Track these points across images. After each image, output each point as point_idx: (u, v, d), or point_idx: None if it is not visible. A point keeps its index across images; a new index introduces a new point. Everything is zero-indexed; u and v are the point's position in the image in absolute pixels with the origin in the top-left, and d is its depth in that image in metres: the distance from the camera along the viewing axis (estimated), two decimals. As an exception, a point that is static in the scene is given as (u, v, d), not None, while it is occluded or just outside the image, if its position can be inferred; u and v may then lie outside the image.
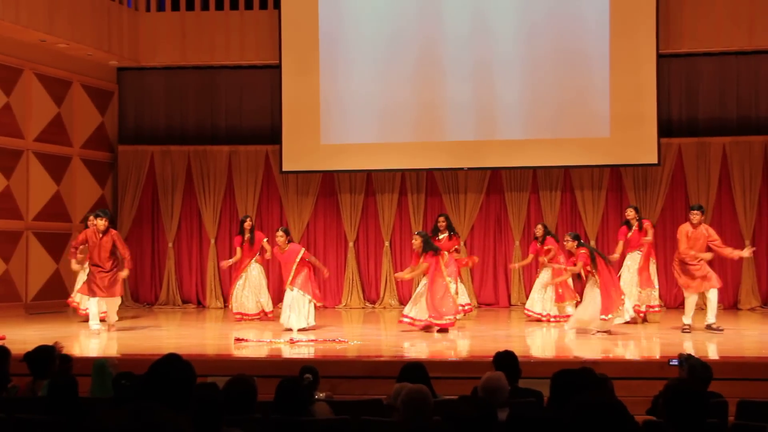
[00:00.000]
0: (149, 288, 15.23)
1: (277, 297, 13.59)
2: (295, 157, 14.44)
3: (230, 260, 12.70)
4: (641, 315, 11.57)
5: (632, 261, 11.82)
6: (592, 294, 10.36)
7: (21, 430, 4.81)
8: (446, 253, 11.39)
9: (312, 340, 10.05)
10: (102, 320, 11.16)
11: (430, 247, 10.99)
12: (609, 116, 13.77)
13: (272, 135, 14.85)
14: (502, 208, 14.66)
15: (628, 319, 10.79)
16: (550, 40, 13.91)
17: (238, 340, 10.04)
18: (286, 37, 14.42)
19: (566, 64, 13.85)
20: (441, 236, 12.16)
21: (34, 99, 13.67)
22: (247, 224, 12.62)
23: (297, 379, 5.51)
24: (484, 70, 14.03)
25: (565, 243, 10.96)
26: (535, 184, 14.53)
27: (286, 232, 11.53)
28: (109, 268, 11.00)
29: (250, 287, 12.57)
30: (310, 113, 14.35)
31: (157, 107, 15.45)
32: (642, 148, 13.74)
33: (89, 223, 11.52)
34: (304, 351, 9.46)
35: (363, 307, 14.69)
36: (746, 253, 11.33)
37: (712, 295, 10.83)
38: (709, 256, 10.82)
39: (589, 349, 9.39)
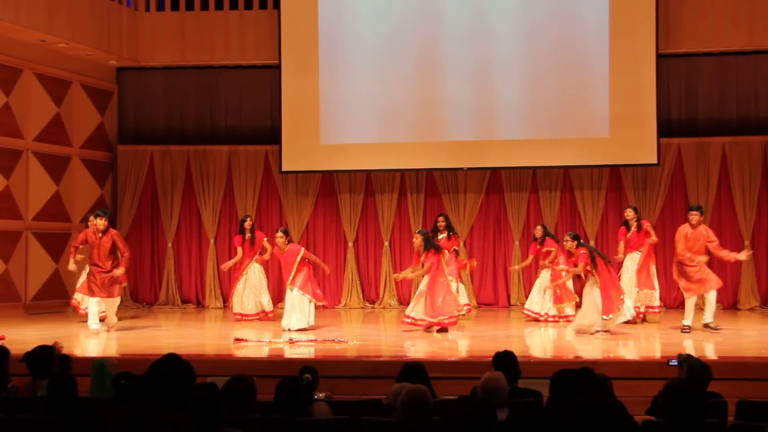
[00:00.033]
0: (149, 288, 15.23)
1: (277, 297, 13.61)
2: (295, 157, 14.44)
3: (231, 262, 12.68)
4: (641, 316, 11.57)
5: (632, 261, 11.82)
6: (592, 295, 10.34)
7: (20, 430, 4.81)
8: (447, 251, 11.39)
9: (311, 340, 10.05)
10: (101, 320, 11.16)
11: (431, 245, 10.99)
12: (608, 116, 13.77)
13: (272, 135, 14.85)
14: (502, 208, 14.66)
15: (630, 318, 10.79)
16: (549, 40, 13.91)
17: (237, 340, 10.04)
18: (286, 37, 14.42)
19: (566, 64, 13.85)
20: (440, 236, 12.16)
21: (33, 99, 13.67)
22: (248, 224, 12.62)
23: (296, 379, 5.51)
24: (484, 70, 14.03)
25: (564, 243, 10.96)
26: (535, 184, 14.53)
27: (286, 233, 11.54)
28: (109, 268, 10.99)
29: (250, 287, 12.56)
30: (309, 113, 14.35)
31: (156, 107, 15.45)
32: (641, 148, 13.75)
33: (89, 223, 11.52)
34: (304, 351, 9.46)
35: (362, 307, 14.69)
36: (743, 256, 11.28)
37: (711, 296, 10.85)
38: (705, 258, 10.81)
39: (589, 349, 9.39)
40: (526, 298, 13.22)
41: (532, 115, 13.98)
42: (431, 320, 10.74)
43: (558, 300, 12.11)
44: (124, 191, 15.17)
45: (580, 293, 11.03)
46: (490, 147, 14.11)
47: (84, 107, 14.68)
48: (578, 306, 11.24)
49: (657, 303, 11.93)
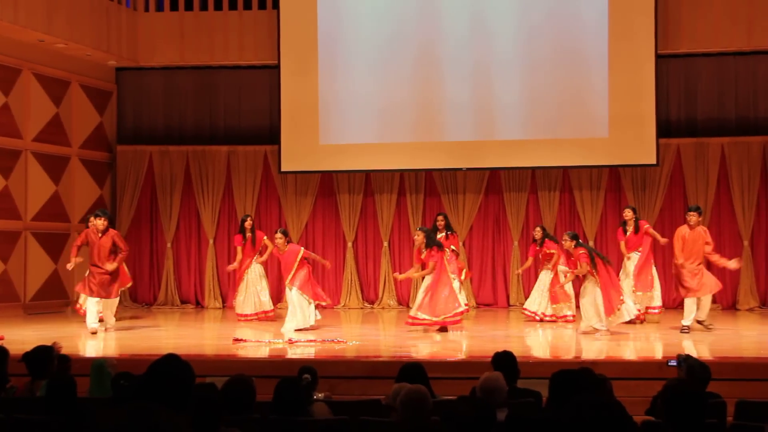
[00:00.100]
0: (148, 288, 15.22)
1: (277, 297, 13.62)
2: (294, 157, 14.43)
3: (235, 263, 12.71)
4: (641, 318, 11.56)
5: (631, 262, 11.82)
6: (592, 295, 10.32)
7: (19, 430, 4.81)
8: (447, 250, 11.39)
9: (310, 341, 10.05)
10: (101, 320, 11.16)
11: (433, 243, 10.98)
12: (608, 117, 13.78)
13: (271, 135, 14.85)
14: (501, 209, 14.66)
15: (632, 317, 10.80)
16: (548, 41, 13.92)
17: (236, 340, 10.03)
18: (285, 37, 14.42)
19: (565, 64, 13.85)
20: (439, 235, 12.15)
21: (32, 99, 13.67)
22: (248, 224, 12.64)
23: (295, 379, 5.51)
24: (483, 70, 14.03)
25: (563, 242, 10.94)
26: (534, 184, 14.53)
27: (285, 234, 11.55)
28: (112, 270, 11.04)
29: (251, 287, 12.58)
30: (308, 113, 14.35)
31: (155, 107, 15.45)
32: (640, 148, 13.75)
33: (89, 223, 11.52)
34: (303, 351, 9.46)
35: (362, 308, 14.69)
36: (733, 264, 11.20)
37: (707, 299, 10.87)
38: (697, 263, 10.78)
39: (588, 350, 9.39)
40: (526, 298, 13.22)
41: (532, 116, 13.98)
42: (435, 319, 10.74)
43: (554, 300, 12.11)
44: (123, 191, 15.17)
45: (579, 293, 11.02)
46: (490, 147, 14.11)
47: (83, 107, 14.67)
48: (577, 307, 11.21)
49: (657, 303, 11.93)
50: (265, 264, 12.88)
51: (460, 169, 14.32)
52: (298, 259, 11.21)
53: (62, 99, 14.24)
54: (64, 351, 6.67)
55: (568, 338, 10.56)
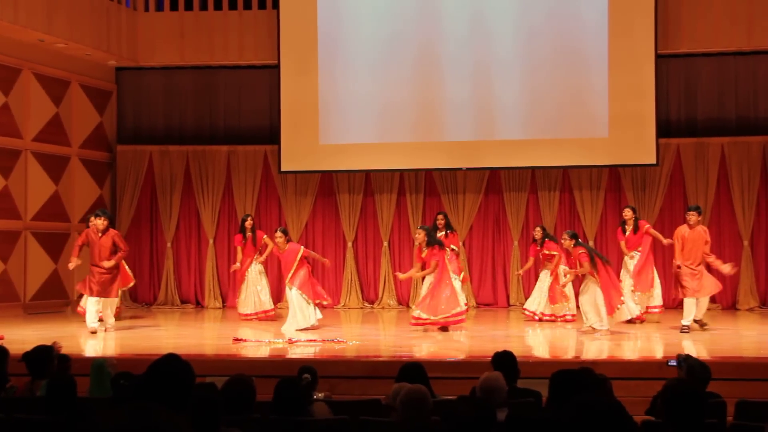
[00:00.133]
0: (148, 288, 15.22)
1: (278, 296, 13.62)
2: (294, 157, 14.44)
3: (237, 264, 12.73)
4: (640, 317, 11.55)
5: (632, 261, 11.83)
6: (592, 296, 10.31)
7: (19, 430, 4.81)
8: (448, 249, 11.38)
9: (311, 340, 10.05)
10: (100, 320, 11.17)
11: (435, 241, 10.98)
12: (607, 116, 13.78)
13: (271, 135, 14.85)
14: (501, 209, 14.66)
15: (633, 316, 10.81)
16: (548, 41, 13.92)
17: (236, 340, 10.04)
18: (285, 37, 14.42)
19: (565, 64, 13.85)
20: (439, 234, 12.14)
21: (32, 99, 13.66)
22: (248, 223, 12.67)
23: (295, 379, 5.51)
24: (483, 70, 14.03)
25: (562, 241, 10.94)
26: (534, 184, 14.53)
27: (285, 233, 11.56)
28: (109, 267, 11.05)
29: (251, 287, 12.61)
30: (308, 113, 14.35)
31: (155, 107, 15.45)
32: (640, 148, 13.75)
33: (90, 223, 11.54)
34: (303, 351, 9.46)
35: (362, 308, 14.69)
36: (727, 269, 11.14)
37: (704, 299, 10.87)
38: (697, 263, 10.78)
39: (589, 350, 9.39)
40: (526, 298, 13.22)
41: (532, 116, 13.98)
42: (435, 318, 10.74)
43: (553, 301, 12.10)
44: (123, 191, 15.17)
45: (579, 293, 11.02)
46: (490, 147, 14.11)
47: (83, 107, 14.67)
48: (577, 306, 11.21)
49: (657, 303, 11.94)
50: (265, 263, 12.90)
51: (460, 168, 14.32)
52: (298, 258, 11.22)
53: (62, 99, 14.23)
54: (64, 351, 6.67)
55: (568, 338, 10.56)
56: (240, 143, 15.09)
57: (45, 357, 5.97)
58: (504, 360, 5.89)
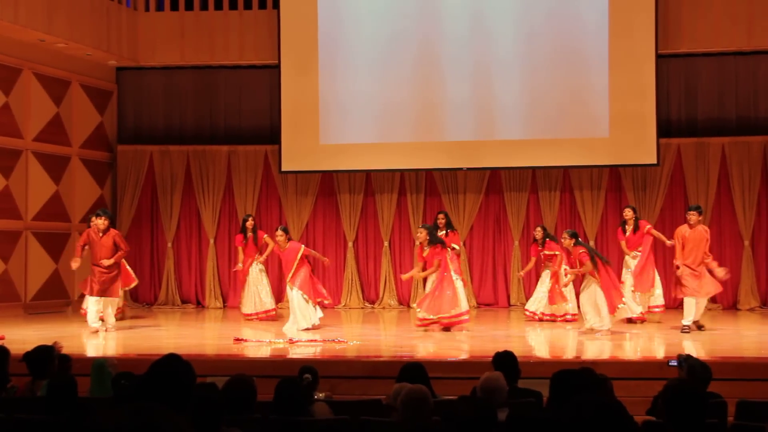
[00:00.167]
0: (148, 288, 15.22)
1: (279, 296, 13.62)
2: (295, 157, 14.44)
3: (240, 264, 12.75)
4: (641, 317, 11.55)
5: (634, 260, 11.83)
6: (593, 294, 10.30)
7: (20, 430, 4.81)
8: (449, 250, 11.39)
9: (311, 340, 10.05)
10: (102, 320, 11.18)
11: (437, 240, 10.97)
12: (608, 116, 13.78)
13: (271, 135, 14.85)
14: (502, 209, 14.66)
15: (634, 314, 10.80)
16: (549, 41, 13.92)
17: (237, 340, 10.04)
18: (286, 37, 14.42)
19: (565, 64, 13.85)
20: (440, 233, 12.12)
21: (33, 99, 13.67)
22: (249, 223, 12.69)
23: (296, 379, 5.51)
24: (484, 70, 14.03)
25: (562, 240, 10.93)
26: (535, 184, 14.53)
27: (286, 231, 11.58)
28: (109, 266, 11.08)
29: (251, 287, 12.63)
30: (309, 113, 14.35)
31: (156, 107, 15.45)
32: (641, 148, 13.75)
33: (91, 223, 11.56)
34: (304, 351, 9.45)
35: (362, 308, 14.69)
36: (721, 273, 11.08)
37: (702, 300, 10.87)
38: (698, 263, 10.77)
39: (589, 350, 9.39)
40: (526, 298, 13.22)
41: (532, 115, 13.98)
42: (433, 318, 10.75)
43: (552, 301, 12.10)
44: (123, 191, 15.17)
45: (578, 294, 11.02)
46: (490, 147, 14.11)
47: (83, 107, 14.67)
48: (578, 306, 11.20)
49: (659, 302, 11.93)
50: (265, 263, 12.91)
51: (461, 168, 14.32)
52: (299, 257, 11.22)
53: (63, 99, 14.24)
54: (64, 351, 6.67)
55: (568, 338, 10.56)
56: (240, 143, 15.09)
57: (46, 357, 5.97)
58: (505, 360, 5.89)
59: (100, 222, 11.11)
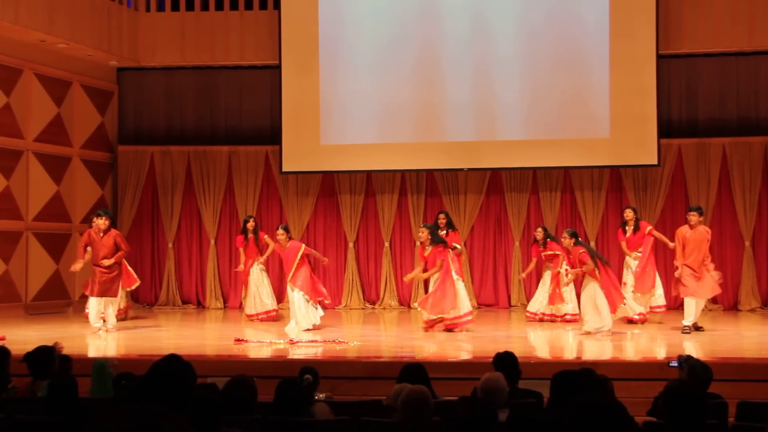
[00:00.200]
0: (149, 288, 15.22)
1: (280, 297, 13.62)
2: (295, 157, 14.44)
3: (241, 266, 12.77)
4: (642, 318, 11.55)
5: (634, 262, 11.83)
6: (593, 295, 10.29)
7: (20, 430, 4.81)
8: (450, 250, 11.39)
9: (312, 341, 10.05)
10: (103, 320, 11.20)
11: (439, 240, 10.97)
12: (609, 117, 13.77)
13: (272, 135, 14.85)
14: (502, 209, 14.66)
15: (635, 313, 10.79)
16: (549, 41, 13.91)
17: (237, 340, 10.04)
18: (286, 37, 14.42)
19: (566, 64, 13.85)
20: (440, 233, 12.11)
21: (33, 99, 13.67)
22: (250, 225, 12.70)
23: (297, 379, 5.51)
24: (484, 70, 14.03)
25: (562, 240, 10.93)
26: (535, 184, 14.52)
27: (287, 230, 11.60)
28: (109, 266, 11.09)
29: (252, 287, 12.64)
30: (309, 114, 14.35)
31: (156, 107, 15.45)
32: (642, 148, 13.75)
33: (92, 222, 11.58)
34: (304, 351, 9.46)
35: (363, 308, 14.69)
36: (715, 277, 11.09)
37: (700, 303, 10.87)
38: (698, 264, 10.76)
39: (590, 350, 9.39)
40: (527, 298, 13.21)
41: (533, 116, 13.98)
42: (441, 317, 10.76)
43: (551, 301, 12.10)
44: (124, 192, 15.17)
45: (578, 294, 11.02)
46: (491, 147, 14.11)
47: (84, 107, 14.68)
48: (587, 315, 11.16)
49: (660, 303, 11.92)
50: (266, 263, 12.92)
51: (461, 169, 14.32)
52: (299, 256, 11.23)
53: (63, 99, 14.24)
54: (65, 351, 6.67)
55: (569, 339, 10.55)
56: (241, 143, 15.09)
57: (46, 357, 5.97)
58: (505, 361, 5.89)
59: (101, 222, 11.14)
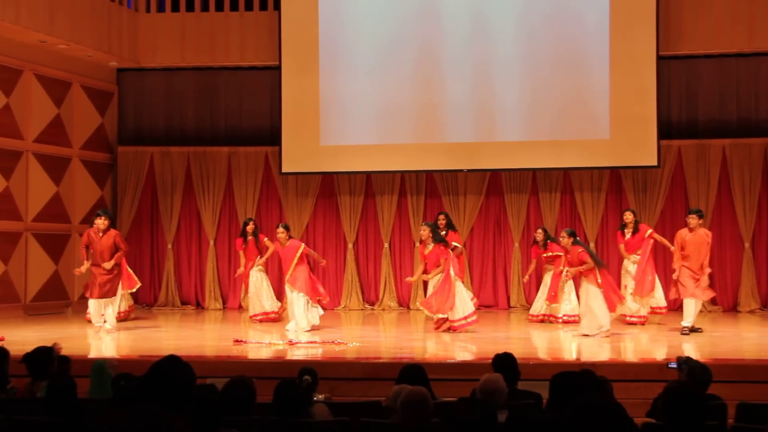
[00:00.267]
0: (148, 289, 15.21)
1: (279, 297, 13.62)
2: (295, 158, 14.43)
3: (241, 268, 12.78)
4: (642, 321, 11.54)
5: (633, 264, 11.82)
6: (592, 295, 10.29)
7: (20, 431, 4.81)
8: (450, 251, 11.40)
9: (311, 342, 10.05)
10: (105, 320, 11.22)
11: (439, 239, 10.98)
12: (609, 118, 13.77)
13: (272, 136, 14.85)
14: (502, 210, 14.65)
15: (634, 312, 10.79)
16: (549, 42, 13.91)
17: (236, 341, 10.04)
18: (286, 38, 14.42)
19: (566, 65, 13.84)
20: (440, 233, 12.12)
21: (33, 100, 13.67)
22: (250, 227, 12.71)
23: (296, 380, 5.51)
24: (484, 71, 14.03)
25: (561, 239, 10.93)
26: (535, 185, 14.52)
27: (287, 228, 11.61)
28: (109, 269, 11.09)
29: (252, 288, 12.66)
30: (309, 114, 14.35)
31: (156, 108, 15.45)
32: (642, 150, 13.74)
33: (93, 223, 11.58)
34: (304, 352, 9.45)
35: (362, 309, 14.69)
36: (705, 279, 11.04)
37: (698, 304, 10.87)
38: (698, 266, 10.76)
39: (589, 351, 9.38)
40: (527, 300, 13.19)
41: (532, 117, 13.98)
42: (433, 317, 10.77)
43: (552, 301, 12.09)
44: (124, 192, 15.17)
45: (577, 294, 11.01)
46: (490, 148, 14.11)
47: (84, 108, 14.68)
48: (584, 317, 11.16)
49: (662, 304, 11.92)
50: (266, 265, 12.92)
51: (461, 170, 14.32)
52: (298, 255, 11.26)
53: (63, 100, 14.24)
54: (64, 352, 6.67)
55: (568, 340, 10.55)
56: (241, 144, 15.09)
57: (45, 358, 5.97)
58: (504, 362, 5.89)
59: (101, 222, 11.16)
